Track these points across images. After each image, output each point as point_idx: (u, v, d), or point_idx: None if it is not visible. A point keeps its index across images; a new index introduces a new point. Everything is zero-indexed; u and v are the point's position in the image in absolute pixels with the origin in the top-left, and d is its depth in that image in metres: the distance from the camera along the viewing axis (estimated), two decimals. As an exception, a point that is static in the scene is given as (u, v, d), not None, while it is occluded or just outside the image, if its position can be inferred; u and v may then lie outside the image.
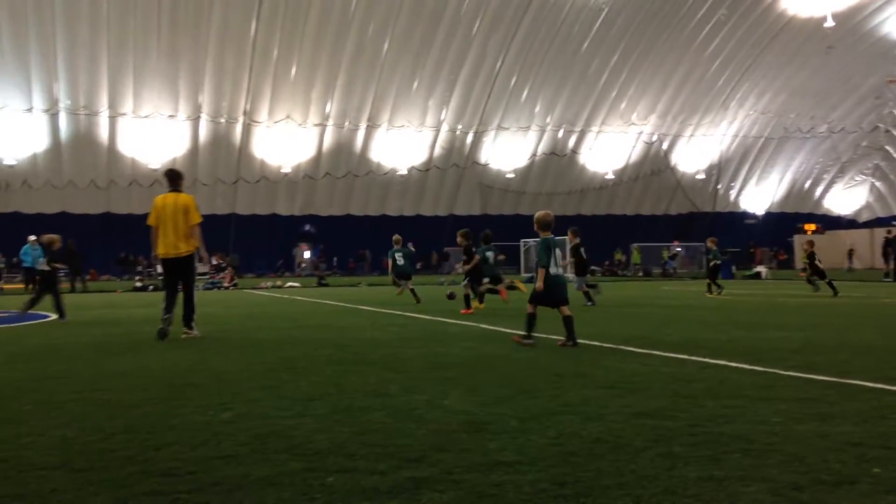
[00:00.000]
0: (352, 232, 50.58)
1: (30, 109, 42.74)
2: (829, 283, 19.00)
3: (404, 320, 12.73)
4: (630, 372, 6.47)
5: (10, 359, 7.88)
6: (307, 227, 52.17)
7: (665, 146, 58.06)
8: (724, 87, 56.04)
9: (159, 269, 10.66)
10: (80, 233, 41.26)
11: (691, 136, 58.53)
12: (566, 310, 8.48)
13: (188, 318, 10.03)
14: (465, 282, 15.12)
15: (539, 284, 8.49)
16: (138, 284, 30.29)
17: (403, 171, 52.05)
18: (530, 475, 3.44)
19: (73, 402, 5.34)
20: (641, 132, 56.83)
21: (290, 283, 33.04)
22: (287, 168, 49.26)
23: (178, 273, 10.08)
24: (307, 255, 53.02)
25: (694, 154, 59.60)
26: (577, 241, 16.83)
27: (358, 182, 51.35)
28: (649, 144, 57.66)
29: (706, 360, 7.20)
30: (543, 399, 5.25)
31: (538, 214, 8.92)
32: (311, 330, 11.02)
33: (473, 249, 15.18)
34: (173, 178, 10.41)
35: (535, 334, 8.61)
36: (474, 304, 14.54)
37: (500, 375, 6.37)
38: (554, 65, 50.34)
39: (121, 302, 20.40)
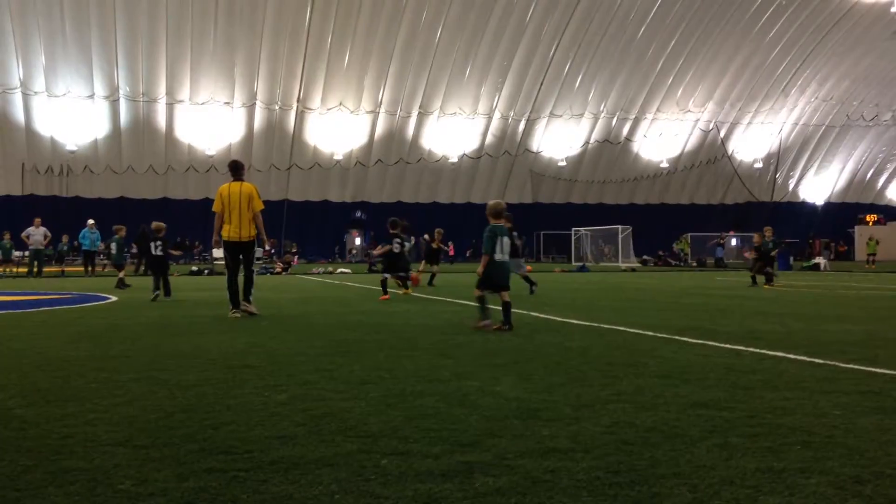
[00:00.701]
0: (403, 219, 50.83)
1: (91, 96, 43.91)
2: (766, 273, 19.41)
3: (455, 307, 12.76)
4: (685, 362, 6.38)
5: (75, 338, 8.12)
6: (358, 214, 52.61)
7: (722, 134, 56.91)
8: (785, 74, 54.69)
9: (215, 253, 11.42)
10: (139, 218, 42.29)
11: (749, 123, 57.31)
12: (506, 296, 8.92)
13: (247, 293, 10.80)
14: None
15: (480, 269, 9.04)
16: (194, 268, 30.92)
17: (455, 158, 52.05)
18: (584, 462, 3.42)
19: (135, 381, 5.49)
20: (698, 119, 55.83)
21: (341, 269, 33.37)
22: (339, 155, 49.69)
23: (241, 255, 10.86)
24: (358, 241, 53.47)
25: (752, 142, 58.35)
26: (510, 226, 17.18)
27: (409, 169, 51.54)
28: (706, 132, 56.62)
29: (764, 351, 7.07)
30: (596, 387, 5.22)
31: (490, 203, 9.42)
32: (362, 315, 11.11)
33: (398, 239, 15.44)
34: (236, 168, 11.08)
35: (496, 313, 8.92)
36: (403, 291, 15.00)
37: (551, 363, 6.34)
38: (609, 51, 49.74)
39: (176, 285, 20.83)
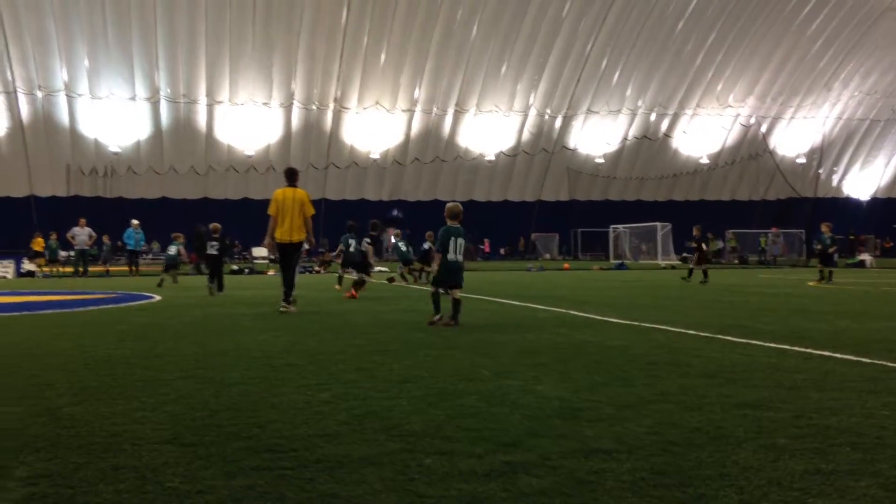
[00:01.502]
0: (439, 217, 50.58)
1: (133, 98, 44.63)
2: (704, 271, 19.78)
3: (493, 305, 12.76)
4: (729, 361, 6.30)
5: (121, 336, 8.28)
6: (395, 212, 52.76)
7: (763, 129, 55.97)
8: (827, 68, 53.59)
9: (256, 251, 11.96)
10: (180, 217, 43.00)
11: (791, 118, 56.27)
12: (457, 293, 9.41)
13: (288, 291, 11.42)
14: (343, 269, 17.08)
15: (434, 266, 9.66)
16: (235, 267, 31.29)
17: (491, 156, 51.95)
18: (628, 463, 3.40)
19: (180, 379, 5.58)
20: (738, 114, 54.96)
21: (379, 268, 33.49)
22: (376, 154, 49.87)
23: (290, 255, 11.64)
24: (394, 239, 53.64)
25: (794, 137, 57.28)
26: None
27: (445, 167, 51.54)
28: (747, 127, 55.71)
29: (809, 350, 6.95)
30: (639, 387, 5.18)
31: (448, 205, 10.02)
32: (401, 314, 11.16)
33: (367, 239, 16.55)
34: (291, 175, 11.91)
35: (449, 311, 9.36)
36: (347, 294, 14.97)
37: (592, 362, 6.31)
38: (647, 46, 49.20)
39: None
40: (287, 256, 11.65)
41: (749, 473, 3.25)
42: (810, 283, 19.11)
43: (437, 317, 9.34)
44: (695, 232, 21.33)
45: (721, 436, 3.87)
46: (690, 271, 20.29)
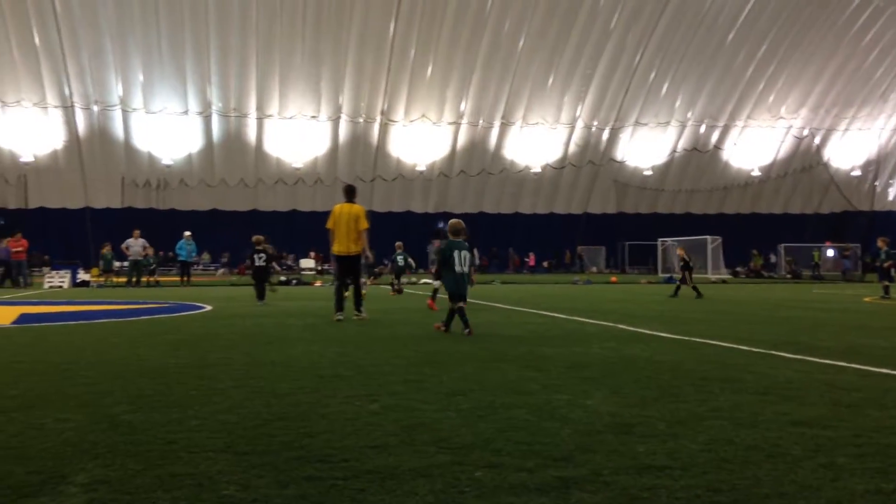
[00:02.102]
0: (485, 230, 50.89)
1: (185, 112, 45.64)
2: (695, 287, 19.98)
3: (541, 318, 12.69)
4: (783, 378, 6.17)
5: (174, 346, 8.44)
6: (441, 225, 52.87)
7: (817, 141, 54.84)
8: (883, 78, 52.36)
9: (304, 263, 12.60)
10: (230, 229, 43.73)
11: (846, 130, 55.05)
12: (462, 304, 9.86)
13: (358, 304, 12.28)
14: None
15: (437, 283, 10.65)
16: (282, 278, 31.67)
17: (537, 168, 51.80)
18: (682, 480, 3.34)
19: (233, 388, 5.66)
20: (791, 126, 53.98)
21: (424, 280, 33.56)
22: (422, 166, 50.11)
23: (349, 268, 12.46)
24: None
25: (849, 149, 56.01)
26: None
27: (491, 180, 51.54)
28: (799, 139, 54.66)
29: (867, 367, 6.77)
30: (691, 403, 5.10)
31: (451, 221, 10.51)
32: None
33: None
34: (349, 192, 12.55)
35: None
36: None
37: (642, 377, 6.23)
38: (697, 57, 48.67)
39: (268, 295, 21.39)
40: (348, 268, 12.45)
41: (808, 493, 3.18)
42: (866, 299, 18.63)
43: (444, 328, 10.02)
44: (679, 252, 22.27)
45: (777, 454, 3.79)
46: (677, 289, 20.78)
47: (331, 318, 11.93)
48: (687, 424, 4.44)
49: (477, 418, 4.61)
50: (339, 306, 12.00)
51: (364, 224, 12.19)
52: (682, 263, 21.47)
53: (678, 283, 21.35)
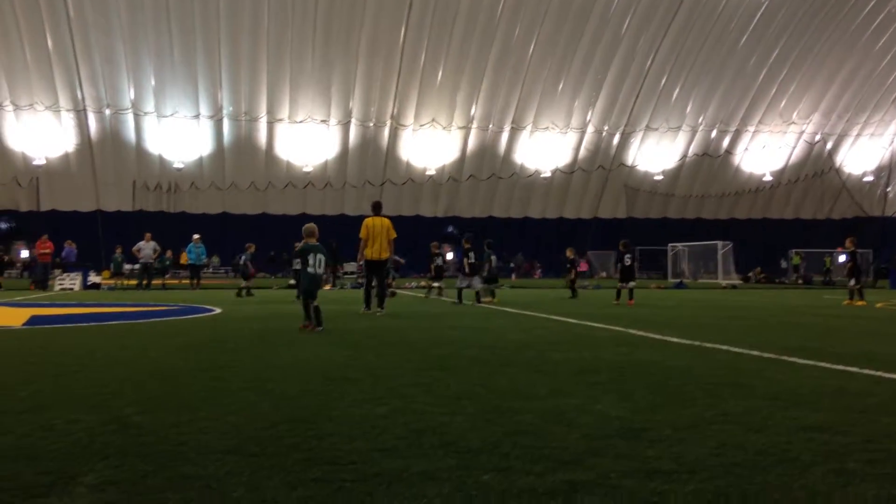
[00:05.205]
0: (494, 234, 50.72)
1: (196, 116, 45.86)
2: (572, 289, 21.99)
3: (549, 323, 12.66)
4: (794, 383, 6.13)
5: (184, 348, 8.46)
6: (450, 229, 52.88)
7: (829, 146, 54.60)
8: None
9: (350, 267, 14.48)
10: (240, 232, 43.82)
11: (858, 135, 54.81)
12: (314, 302, 10.67)
13: (381, 301, 14.41)
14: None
15: (435, 284, 11.58)
16: (292, 282, 31.66)
17: (547, 173, 51.75)
18: (691, 485, 3.33)
19: (242, 391, 5.67)
20: (803, 132, 53.78)
21: (434, 284, 33.52)
22: (432, 170, 50.14)
23: (377, 270, 14.60)
24: (450, 256, 53.72)
25: (861, 155, 55.77)
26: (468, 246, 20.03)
27: (501, 184, 51.52)
28: (811, 145, 54.44)
29: (879, 373, 6.72)
30: (700, 408, 5.07)
31: (305, 225, 11.32)
32: (455, 330, 11.15)
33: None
34: (377, 207, 14.96)
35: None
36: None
37: (651, 382, 6.21)
38: (708, 62, 48.56)
39: (275, 297, 21.46)
40: (376, 271, 14.60)
41: (818, 498, 3.16)
42: (878, 305, 18.52)
43: (307, 323, 10.72)
44: (568, 254, 23.67)
45: (787, 459, 3.77)
46: (573, 291, 22.26)
47: (359, 311, 14.51)
48: (696, 429, 4.42)
49: (485, 422, 4.60)
50: (368, 303, 14.50)
51: (394, 234, 14.52)
52: (568, 265, 22.93)
53: (570, 284, 22.65)
